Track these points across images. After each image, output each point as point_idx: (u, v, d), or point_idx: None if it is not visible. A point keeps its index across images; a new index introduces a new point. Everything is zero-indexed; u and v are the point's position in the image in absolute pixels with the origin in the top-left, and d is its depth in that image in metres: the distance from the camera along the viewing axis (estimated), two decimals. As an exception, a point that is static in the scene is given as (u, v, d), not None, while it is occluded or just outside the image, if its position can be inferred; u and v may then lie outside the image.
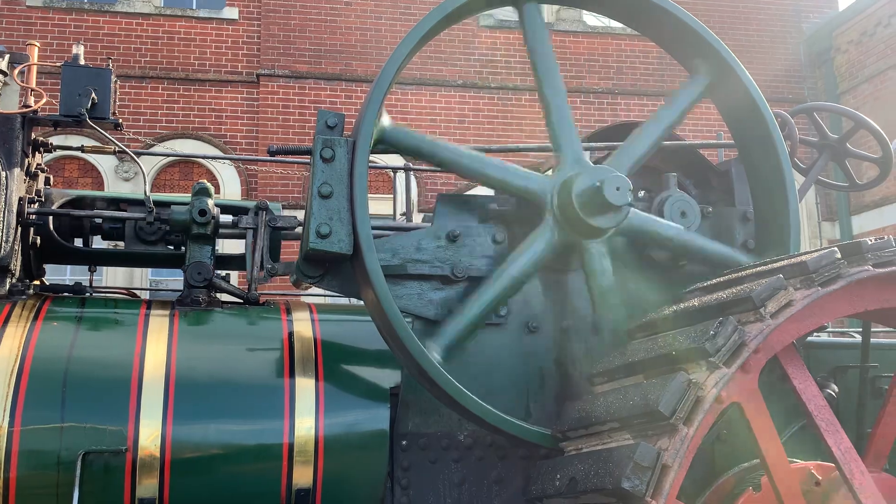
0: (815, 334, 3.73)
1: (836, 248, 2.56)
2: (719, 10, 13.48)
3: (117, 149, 3.90)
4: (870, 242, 2.57)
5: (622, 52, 13.11)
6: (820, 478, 2.78)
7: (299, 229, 3.79)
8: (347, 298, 3.40)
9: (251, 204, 3.63)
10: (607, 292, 3.04)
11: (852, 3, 13.41)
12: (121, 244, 3.90)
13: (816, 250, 2.62)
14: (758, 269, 2.78)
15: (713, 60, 3.30)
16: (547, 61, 3.17)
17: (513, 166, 3.13)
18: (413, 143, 3.07)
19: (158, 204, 3.72)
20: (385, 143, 3.01)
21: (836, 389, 3.81)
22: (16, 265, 3.44)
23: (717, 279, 2.93)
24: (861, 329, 3.81)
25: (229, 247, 5.67)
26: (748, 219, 3.55)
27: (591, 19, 13.12)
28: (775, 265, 2.69)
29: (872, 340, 3.79)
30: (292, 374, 3.14)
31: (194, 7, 12.51)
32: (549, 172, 3.18)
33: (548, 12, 13.53)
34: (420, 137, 3.09)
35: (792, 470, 2.60)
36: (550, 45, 3.23)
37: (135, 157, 3.97)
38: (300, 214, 3.56)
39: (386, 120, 2.98)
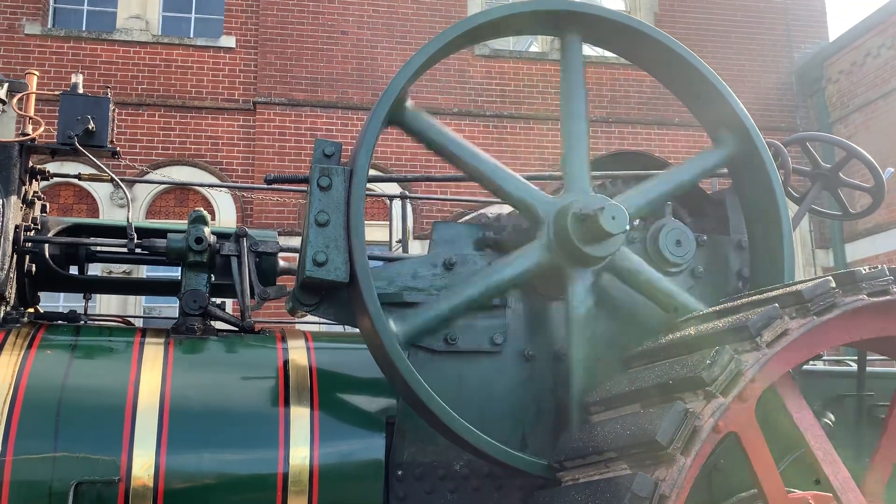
0: (811, 363, 3.73)
1: (830, 277, 2.57)
2: (712, 40, 13.66)
3: (110, 176, 3.90)
4: (864, 272, 2.59)
5: (616, 81, 13.24)
6: (818, 508, 2.77)
7: (284, 261, 3.80)
8: (342, 326, 3.41)
9: (231, 230, 3.63)
10: (580, 324, 3.03)
11: (843, 33, 13.60)
12: (116, 271, 3.89)
13: (811, 279, 2.63)
14: (753, 297, 2.79)
15: (742, 135, 3.35)
16: (579, 90, 3.23)
17: (517, 177, 3.15)
18: (424, 129, 3.09)
19: (151, 231, 3.72)
20: (399, 122, 3.04)
21: (833, 418, 3.80)
22: (11, 293, 3.43)
23: (713, 308, 2.94)
24: (857, 358, 3.82)
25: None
26: (743, 247, 3.57)
27: (586, 49, 13.20)
28: (770, 294, 2.70)
29: (868, 369, 3.79)
30: (287, 403, 3.13)
31: (192, 35, 12.62)
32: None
33: (542, 42, 13.69)
34: (432, 125, 3.11)
35: (790, 500, 2.58)
36: (584, 76, 3.28)
37: (121, 185, 3.95)
38: (295, 241, 3.57)
39: (409, 101, 3.02)
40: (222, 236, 3.65)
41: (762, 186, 3.39)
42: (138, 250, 3.60)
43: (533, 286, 3.24)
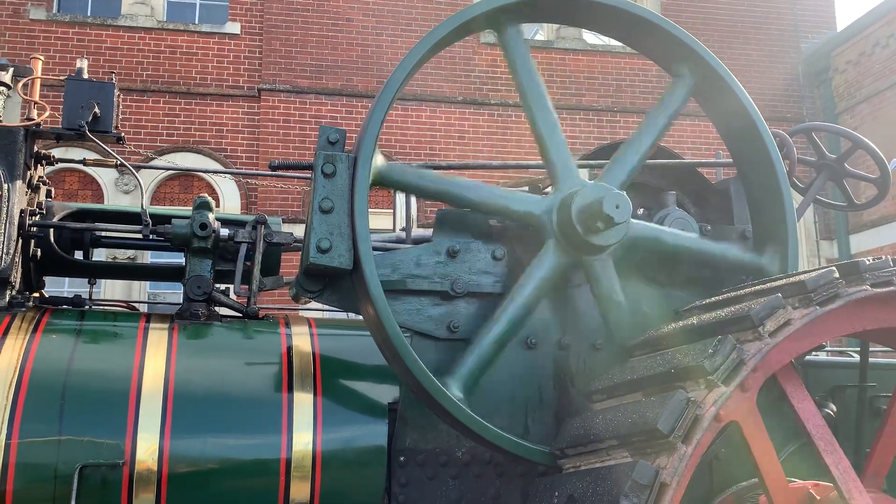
0: (813, 353, 3.73)
1: (834, 268, 2.57)
2: (718, 30, 13.59)
3: (118, 162, 3.91)
4: (868, 262, 2.59)
5: (621, 70, 13.19)
6: (818, 497, 2.78)
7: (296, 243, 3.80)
8: (346, 313, 3.41)
9: (249, 218, 3.64)
10: (614, 305, 3.05)
11: (850, 23, 13.51)
12: (120, 256, 3.90)
13: (815, 269, 2.63)
14: (756, 287, 2.79)
15: (694, 61, 3.29)
16: (533, 80, 3.17)
17: (511, 192, 3.13)
18: (410, 181, 3.05)
19: (158, 217, 3.73)
20: (382, 184, 3.01)
21: (835, 409, 3.81)
22: (16, 277, 3.44)
23: (716, 297, 2.94)
24: (859, 348, 3.82)
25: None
26: (747, 237, 3.56)
27: (591, 37, 13.21)
28: (774, 284, 2.70)
29: (871, 360, 3.80)
30: (290, 389, 3.14)
31: (197, 22, 12.59)
32: (549, 190, 3.19)
33: (547, 30, 13.63)
34: (416, 173, 3.08)
35: (790, 489, 2.59)
36: (534, 63, 3.23)
37: (133, 171, 3.98)
38: (299, 229, 3.57)
39: (380, 160, 2.95)
40: (237, 223, 3.66)
41: (767, 176, 3.38)
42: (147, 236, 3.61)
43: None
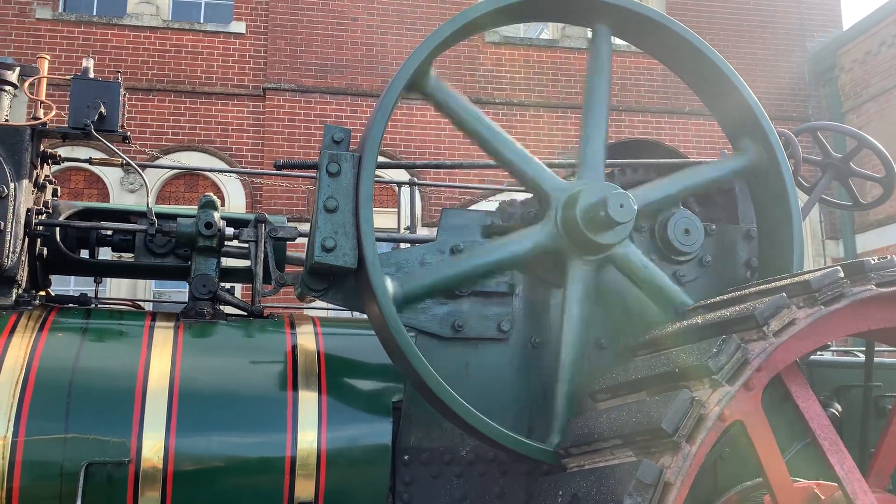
0: (818, 353, 3.72)
1: (839, 268, 2.56)
2: (724, 29, 13.55)
3: (123, 161, 3.92)
4: (873, 262, 2.58)
5: (626, 69, 13.17)
6: (822, 497, 2.77)
7: (300, 240, 3.81)
8: (350, 312, 3.42)
9: (251, 216, 3.65)
10: (574, 312, 3.05)
11: (857, 21, 13.46)
12: (127, 256, 3.92)
13: (819, 269, 2.63)
14: (761, 287, 2.79)
15: (762, 144, 3.35)
16: (602, 77, 3.25)
17: (533, 158, 3.16)
18: (445, 100, 3.08)
19: (163, 216, 3.74)
20: (422, 91, 3.04)
21: (840, 408, 3.80)
22: (22, 276, 3.45)
23: (721, 297, 2.94)
24: (864, 348, 3.81)
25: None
26: (752, 236, 3.56)
27: (596, 36, 13.17)
28: (779, 283, 2.70)
29: (876, 360, 3.78)
30: (295, 388, 3.15)
31: (202, 21, 12.61)
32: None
33: (553, 29, 13.62)
34: (454, 96, 3.10)
35: (795, 489, 2.59)
36: (610, 67, 3.30)
37: (139, 170, 3.99)
38: (304, 228, 3.58)
39: (433, 71, 3.01)
40: (240, 222, 3.67)
41: (772, 176, 3.38)
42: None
43: (539, 273, 3.24)
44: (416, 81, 2.98)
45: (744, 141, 3.43)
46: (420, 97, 3.08)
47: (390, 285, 2.84)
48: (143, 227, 3.69)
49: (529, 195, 3.33)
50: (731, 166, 3.43)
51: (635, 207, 2.93)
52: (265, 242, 3.52)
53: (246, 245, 3.57)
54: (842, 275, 2.54)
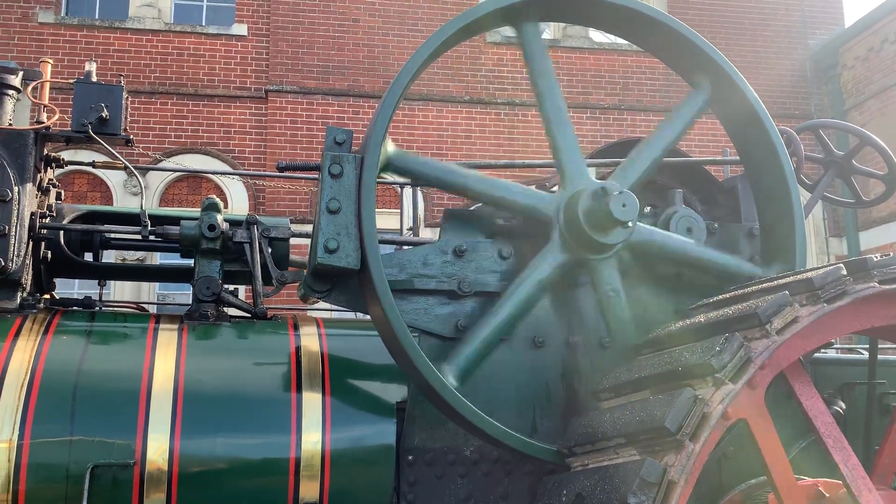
0: (822, 351, 3.72)
1: (841, 265, 2.56)
2: (725, 26, 13.53)
3: (125, 164, 3.93)
4: (876, 259, 2.58)
5: (628, 69, 13.16)
6: (827, 495, 2.77)
7: (302, 241, 3.82)
8: (354, 313, 3.42)
9: (242, 217, 3.66)
10: (617, 308, 3.05)
11: (859, 19, 13.43)
12: (129, 258, 3.93)
13: (822, 267, 2.63)
14: (763, 285, 2.79)
15: (714, 74, 3.31)
16: (548, 78, 3.19)
17: (519, 186, 3.14)
18: (418, 169, 3.09)
19: (167, 219, 3.76)
20: (391, 170, 3.03)
21: (844, 406, 3.79)
22: (27, 279, 3.47)
23: (723, 295, 2.94)
24: (868, 346, 3.81)
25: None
26: (754, 235, 3.56)
27: (598, 36, 13.17)
28: (781, 281, 2.70)
29: (880, 357, 3.78)
30: (299, 389, 3.16)
31: (204, 23, 12.62)
32: (556, 189, 3.19)
33: (554, 29, 13.61)
34: (425, 162, 3.11)
35: (799, 487, 2.59)
36: (550, 61, 3.25)
37: (135, 172, 3.99)
38: (307, 228, 3.59)
39: (390, 146, 2.99)
40: (233, 223, 3.68)
41: (774, 173, 3.37)
42: (152, 237, 3.63)
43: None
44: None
45: (695, 77, 3.36)
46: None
47: (449, 376, 2.81)
48: (136, 229, 3.70)
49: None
50: (694, 105, 3.35)
51: (637, 204, 2.92)
52: (261, 242, 3.53)
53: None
54: (845, 272, 2.53)
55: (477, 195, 3.13)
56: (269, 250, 3.61)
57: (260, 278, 3.51)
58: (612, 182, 3.09)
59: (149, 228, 3.58)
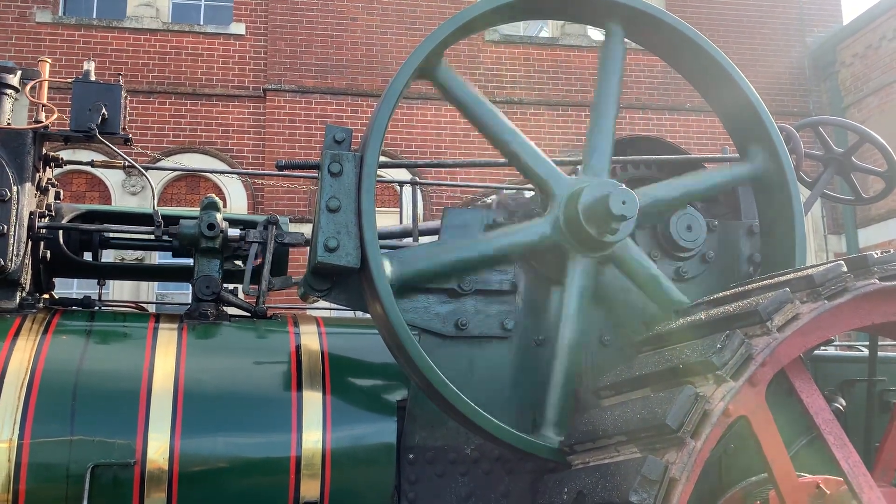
0: (822, 348, 3.72)
1: (842, 262, 2.56)
2: (723, 23, 13.53)
3: (126, 163, 3.93)
4: (876, 256, 2.58)
5: (627, 67, 13.14)
6: (828, 492, 2.77)
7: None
8: (353, 312, 3.42)
9: (261, 218, 3.65)
10: (572, 309, 3.05)
11: (857, 16, 13.43)
12: (128, 257, 3.92)
13: (823, 264, 2.63)
14: (764, 282, 2.79)
15: (768, 150, 3.33)
16: (613, 78, 3.26)
17: (539, 152, 3.16)
18: (456, 92, 3.11)
19: (167, 218, 3.75)
20: (432, 79, 3.06)
21: (844, 403, 3.79)
22: (26, 279, 3.46)
23: (724, 293, 2.94)
24: (868, 343, 3.80)
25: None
26: (754, 232, 3.56)
27: (596, 34, 13.16)
28: (781, 279, 2.69)
29: (880, 354, 3.78)
30: (300, 388, 3.15)
31: (202, 23, 12.61)
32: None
33: (552, 27, 13.60)
34: (466, 89, 3.13)
35: (800, 484, 2.59)
36: (623, 66, 3.31)
37: (143, 172, 4.01)
38: (306, 228, 3.58)
39: (444, 61, 3.02)
40: (246, 223, 3.67)
41: (774, 171, 3.37)
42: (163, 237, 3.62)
43: (539, 267, 3.24)
44: (426, 70, 2.99)
45: (751, 148, 3.40)
46: (429, 84, 3.09)
47: (388, 267, 2.83)
48: (146, 229, 3.70)
49: (531, 193, 3.34)
50: (739, 172, 3.40)
51: (637, 204, 2.93)
52: (271, 245, 3.52)
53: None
54: (845, 269, 2.53)
55: (496, 140, 3.15)
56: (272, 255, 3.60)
57: (269, 278, 3.50)
58: (586, 176, 3.11)
59: (162, 228, 3.58)
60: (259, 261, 3.52)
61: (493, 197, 3.76)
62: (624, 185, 2.99)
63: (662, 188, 3.28)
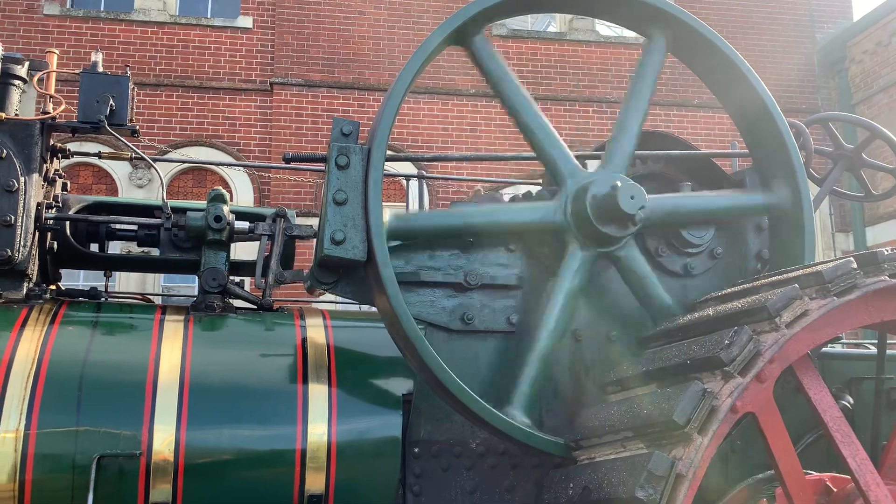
0: (830, 345, 3.71)
1: (851, 258, 2.54)
2: (733, 20, 13.46)
3: (134, 155, 3.92)
4: (886, 253, 2.56)
5: (634, 62, 13.08)
6: (835, 489, 2.76)
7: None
8: (359, 305, 3.42)
9: (269, 211, 3.65)
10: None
11: (867, 13, 13.36)
12: (134, 249, 3.92)
13: (832, 260, 2.61)
14: (773, 278, 2.77)
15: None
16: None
17: (558, 139, 3.15)
18: (486, 60, 3.16)
19: (174, 210, 3.75)
20: (465, 44, 3.11)
21: (852, 401, 3.78)
22: (33, 270, 3.46)
23: (732, 289, 2.92)
24: (876, 340, 3.78)
25: (241, 253, 5.70)
26: (762, 229, 3.54)
27: (604, 29, 13.13)
28: (791, 275, 2.68)
29: (888, 351, 3.76)
30: (305, 381, 3.15)
31: (209, 16, 12.61)
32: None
33: (560, 22, 13.56)
34: (495, 58, 3.17)
35: (807, 481, 2.58)
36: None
37: (152, 163, 4.00)
38: (313, 221, 3.58)
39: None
40: (254, 216, 3.66)
41: (783, 167, 3.35)
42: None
43: (538, 253, 3.23)
44: (460, 37, 3.02)
45: (775, 182, 3.37)
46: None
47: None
48: (154, 221, 3.70)
49: (537, 189, 3.33)
50: (758, 200, 3.39)
51: (646, 199, 2.91)
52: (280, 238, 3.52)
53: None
54: (855, 266, 2.52)
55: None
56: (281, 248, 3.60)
57: (280, 272, 3.49)
58: (608, 170, 3.08)
59: (172, 220, 3.58)
60: (267, 253, 3.52)
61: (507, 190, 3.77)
62: (633, 182, 2.97)
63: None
